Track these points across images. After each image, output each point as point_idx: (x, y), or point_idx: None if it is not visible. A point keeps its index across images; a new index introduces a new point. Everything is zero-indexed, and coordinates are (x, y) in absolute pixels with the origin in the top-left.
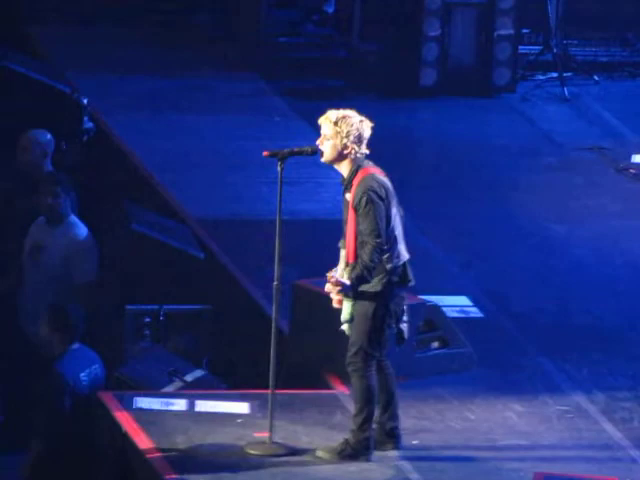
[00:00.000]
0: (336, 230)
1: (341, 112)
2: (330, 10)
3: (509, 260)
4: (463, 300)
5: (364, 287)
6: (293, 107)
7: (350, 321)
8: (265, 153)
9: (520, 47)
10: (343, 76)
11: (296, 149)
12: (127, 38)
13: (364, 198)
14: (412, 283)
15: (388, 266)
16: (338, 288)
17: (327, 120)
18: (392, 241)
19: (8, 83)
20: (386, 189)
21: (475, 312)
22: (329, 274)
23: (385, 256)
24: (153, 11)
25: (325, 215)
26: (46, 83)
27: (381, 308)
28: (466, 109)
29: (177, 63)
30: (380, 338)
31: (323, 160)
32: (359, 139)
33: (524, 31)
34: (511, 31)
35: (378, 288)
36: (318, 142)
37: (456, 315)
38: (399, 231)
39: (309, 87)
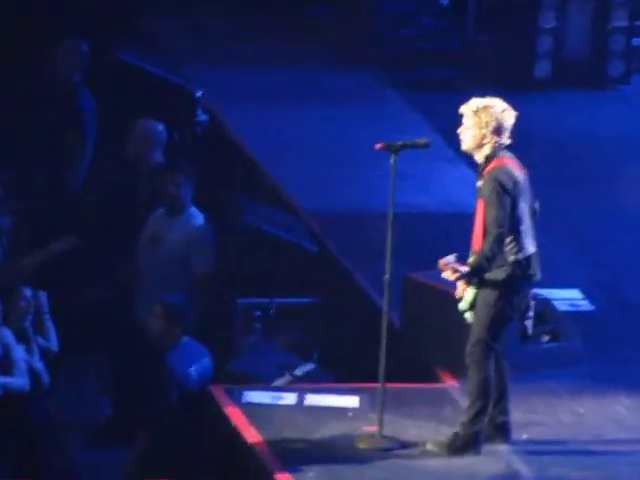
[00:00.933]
0: (448, 223)
1: (483, 101)
2: (445, 1)
3: (621, 251)
4: (574, 293)
5: (488, 275)
6: (408, 99)
7: (470, 309)
8: (378, 146)
9: (634, 39)
10: (458, 68)
11: (409, 142)
12: (241, 30)
13: (490, 187)
14: (537, 277)
15: (510, 258)
16: (456, 275)
17: (468, 109)
18: (516, 234)
19: (122, 75)
20: (515, 181)
21: (586, 305)
22: (442, 261)
23: (508, 247)
24: (267, 2)
25: (437, 208)
26: (160, 75)
27: (502, 299)
28: (580, 101)
29: (291, 55)
30: (500, 330)
31: (462, 148)
32: (499, 129)
33: (638, 23)
34: (625, 23)
35: (500, 278)
36: (459, 130)
37: (567, 308)
38: (527, 225)
39: (423, 79)
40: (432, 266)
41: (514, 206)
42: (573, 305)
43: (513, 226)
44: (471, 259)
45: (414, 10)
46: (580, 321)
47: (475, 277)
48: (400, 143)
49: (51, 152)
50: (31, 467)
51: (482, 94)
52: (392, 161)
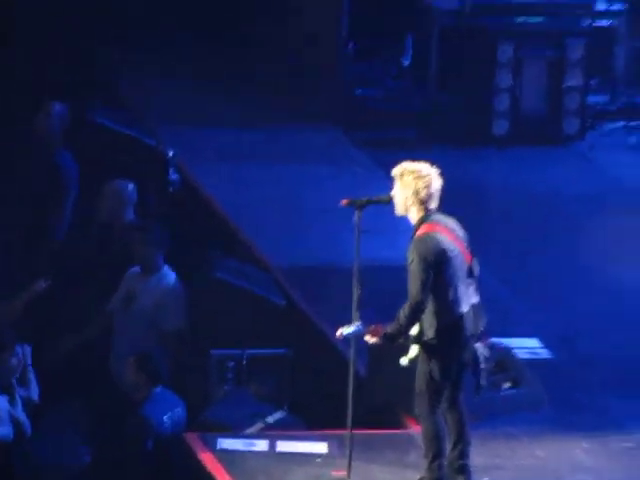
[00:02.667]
0: None
1: (410, 166)
2: (407, 62)
3: (579, 303)
4: (533, 342)
5: (424, 336)
6: (372, 157)
7: (410, 361)
8: (343, 202)
9: (589, 97)
10: (419, 127)
11: (374, 198)
12: (209, 93)
13: (411, 257)
14: (476, 332)
15: (439, 320)
16: (374, 340)
17: (394, 173)
18: (444, 298)
19: (98, 136)
20: (441, 250)
21: (544, 354)
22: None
23: (436, 310)
24: (233, 67)
25: (401, 261)
26: (133, 136)
27: (436, 356)
28: (537, 157)
29: (257, 115)
30: (440, 383)
31: (396, 212)
32: (426, 193)
33: (592, 82)
34: (580, 82)
35: (432, 336)
36: (392, 193)
37: (526, 357)
38: (457, 288)
39: (387, 138)
40: (392, 317)
41: (439, 273)
42: (532, 353)
43: (440, 291)
44: (388, 327)
45: (377, 71)
46: (539, 369)
47: (392, 342)
48: (364, 199)
49: (33, 206)
50: None
51: (443, 152)
52: (356, 217)
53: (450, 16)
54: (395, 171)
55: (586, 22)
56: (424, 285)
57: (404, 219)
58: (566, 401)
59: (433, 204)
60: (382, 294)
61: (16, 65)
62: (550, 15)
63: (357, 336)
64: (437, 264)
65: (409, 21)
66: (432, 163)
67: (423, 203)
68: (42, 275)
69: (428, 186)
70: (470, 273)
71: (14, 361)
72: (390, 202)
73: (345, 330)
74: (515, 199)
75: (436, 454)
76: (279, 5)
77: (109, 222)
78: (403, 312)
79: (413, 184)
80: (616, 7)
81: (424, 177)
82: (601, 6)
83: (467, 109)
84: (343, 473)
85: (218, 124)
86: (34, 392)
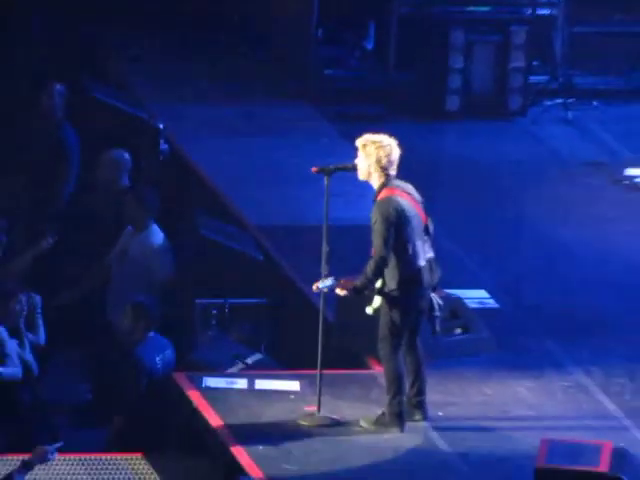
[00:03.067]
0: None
1: (371, 137)
2: (370, 46)
3: (522, 259)
4: (482, 293)
5: (386, 287)
6: (339, 130)
7: (376, 313)
8: (313, 169)
9: (531, 77)
10: (381, 103)
11: (340, 165)
12: (194, 72)
13: (374, 218)
14: (432, 283)
15: (400, 272)
16: (344, 292)
17: (358, 143)
18: (404, 253)
19: (96, 111)
20: (399, 210)
21: (492, 304)
22: (325, 282)
23: (397, 264)
24: (215, 46)
25: (366, 221)
26: (128, 111)
27: (398, 303)
28: (485, 131)
29: (237, 92)
30: (401, 328)
31: (359, 178)
32: (386, 161)
33: (534, 63)
34: (523, 64)
35: (393, 287)
36: (356, 162)
37: (476, 306)
38: (415, 244)
39: (352, 113)
40: (358, 271)
41: (399, 231)
42: (481, 303)
43: (400, 247)
44: (357, 280)
45: (344, 54)
46: (487, 317)
47: (360, 294)
48: (332, 167)
49: (40, 174)
50: (23, 443)
51: (402, 125)
52: (325, 182)
53: (408, 5)
54: (359, 142)
55: (528, 11)
56: (386, 242)
57: (367, 184)
58: (511, 345)
59: (392, 171)
60: (348, 249)
61: (17, 48)
62: (496, 5)
63: (330, 289)
64: (397, 223)
65: (372, 9)
66: (391, 135)
67: (384, 170)
68: (48, 234)
69: (388, 155)
70: (426, 231)
71: (18, 307)
72: (354, 169)
73: (320, 284)
74: (465, 167)
75: (397, 392)
76: None
77: (107, 187)
78: (369, 267)
79: (375, 153)
80: None
81: (384, 147)
82: None
83: (423, 88)
84: (314, 408)
85: (202, 100)
86: (41, 337)
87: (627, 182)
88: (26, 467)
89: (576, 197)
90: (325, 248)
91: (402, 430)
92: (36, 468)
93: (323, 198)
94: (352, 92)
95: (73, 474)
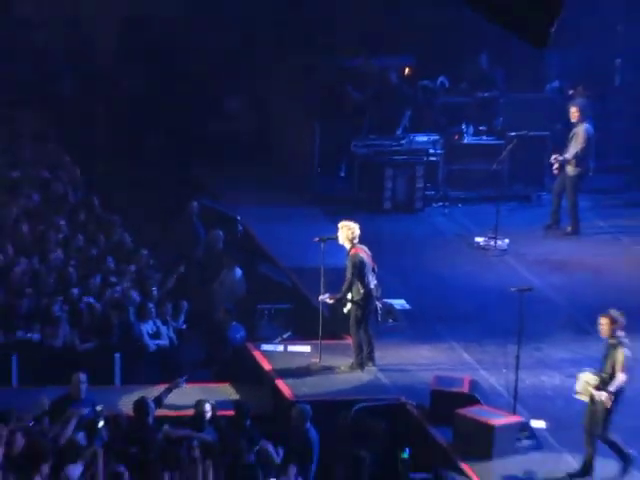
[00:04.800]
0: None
1: (345, 223)
2: (342, 174)
3: (423, 285)
4: (402, 301)
5: (352, 298)
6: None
7: (347, 310)
8: (315, 239)
9: (426, 192)
10: (350, 205)
11: (331, 236)
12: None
13: (349, 264)
14: (377, 295)
15: (361, 290)
16: (331, 301)
17: (340, 225)
18: (363, 281)
19: (206, 214)
20: (361, 260)
21: (407, 306)
22: (321, 297)
23: (359, 286)
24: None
25: (344, 265)
26: (219, 210)
27: (360, 307)
28: (403, 220)
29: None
30: (362, 320)
31: (340, 242)
32: (352, 235)
33: (428, 185)
34: (422, 185)
35: (357, 299)
36: (338, 235)
37: (399, 308)
38: (369, 277)
39: (333, 210)
40: (335, 290)
41: (360, 270)
42: (402, 306)
43: (361, 278)
44: (338, 295)
45: (329, 177)
46: (406, 313)
47: (340, 301)
48: (325, 237)
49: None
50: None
51: (361, 217)
52: (322, 245)
53: (364, 152)
54: (340, 225)
55: (424, 158)
56: (352, 277)
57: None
58: (418, 328)
59: (356, 240)
60: (337, 281)
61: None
62: (408, 154)
63: (325, 300)
64: (360, 267)
65: (341, 155)
66: (355, 221)
67: (352, 240)
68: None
69: (353, 231)
70: (373, 270)
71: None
72: (337, 239)
73: (321, 297)
74: (394, 239)
75: (358, 352)
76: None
77: (212, 250)
78: (344, 288)
79: (347, 231)
80: None
81: (352, 228)
82: None
83: (372, 198)
84: (317, 360)
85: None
86: (181, 322)
87: (478, 246)
88: (168, 391)
89: (449, 254)
90: (322, 280)
91: (362, 371)
92: (173, 392)
93: (321, 251)
94: (335, 199)
95: (192, 395)
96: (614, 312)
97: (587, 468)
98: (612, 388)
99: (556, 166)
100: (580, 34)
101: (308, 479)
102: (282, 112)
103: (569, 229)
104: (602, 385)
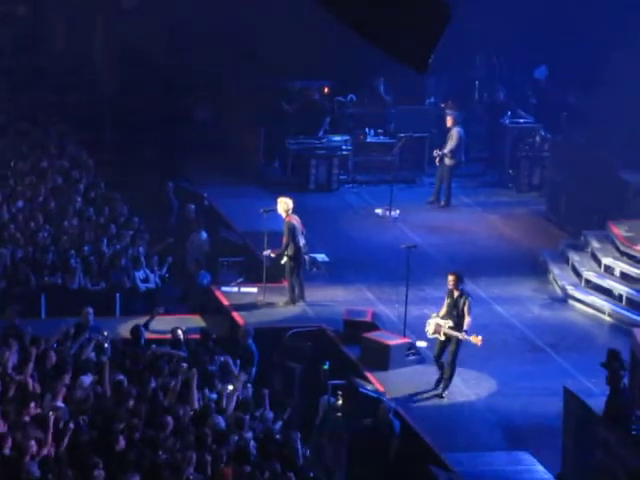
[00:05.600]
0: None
1: (282, 198)
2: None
3: (340, 243)
4: (323, 255)
5: (287, 253)
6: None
7: (284, 262)
8: (261, 210)
9: (340, 176)
10: (285, 187)
11: (271, 209)
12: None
13: (285, 228)
14: (303, 252)
15: (294, 248)
16: (273, 255)
17: (279, 200)
18: (297, 240)
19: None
20: (294, 226)
21: (326, 259)
22: (265, 252)
23: (293, 244)
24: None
25: (282, 229)
26: (190, 189)
27: (294, 260)
28: (324, 197)
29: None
30: (294, 269)
31: (279, 213)
32: (287, 207)
33: (341, 172)
34: (337, 171)
35: (292, 253)
36: (277, 207)
37: (321, 260)
38: (300, 237)
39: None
40: (275, 247)
41: (294, 233)
42: (323, 259)
43: (294, 239)
44: (279, 250)
45: (271, 168)
46: (325, 264)
47: (280, 256)
48: (268, 209)
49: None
50: None
51: (295, 195)
52: (264, 214)
53: (296, 147)
54: (278, 200)
55: (339, 152)
56: (288, 238)
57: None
58: (334, 275)
59: (290, 210)
60: (275, 241)
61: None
62: (326, 149)
63: (268, 254)
64: (293, 231)
65: (277, 150)
66: (290, 197)
67: (287, 211)
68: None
69: (288, 205)
70: (302, 233)
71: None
72: (277, 210)
73: (265, 252)
74: (318, 210)
75: (292, 290)
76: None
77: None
78: (283, 246)
79: (285, 205)
80: None
81: (287, 203)
82: None
83: (303, 182)
84: (262, 297)
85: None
86: (165, 271)
87: (377, 215)
88: (151, 318)
89: (357, 221)
90: (266, 243)
91: (294, 305)
92: (158, 322)
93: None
94: (274, 182)
95: (173, 323)
96: (458, 271)
97: (440, 380)
98: (466, 328)
99: (437, 158)
100: (449, 62)
101: (250, 378)
102: (237, 119)
103: (442, 203)
104: (455, 327)
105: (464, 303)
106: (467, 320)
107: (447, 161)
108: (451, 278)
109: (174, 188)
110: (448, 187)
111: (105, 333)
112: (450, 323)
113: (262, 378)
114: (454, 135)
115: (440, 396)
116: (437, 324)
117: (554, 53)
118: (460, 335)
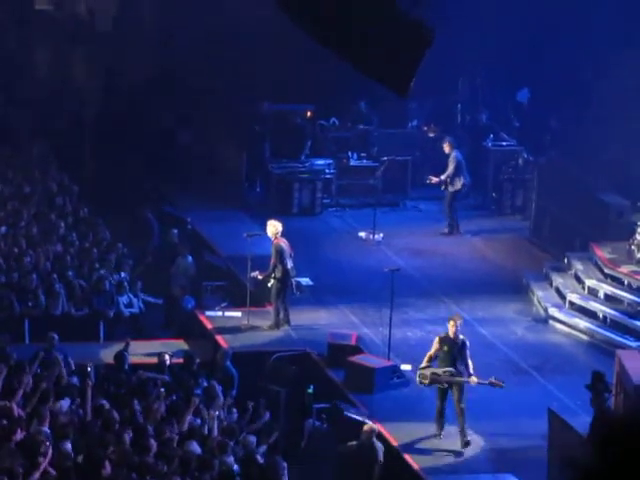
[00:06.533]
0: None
1: (272, 221)
2: (259, 190)
3: (322, 267)
4: (307, 279)
5: (275, 276)
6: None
7: (271, 284)
8: (246, 234)
9: (323, 200)
10: (268, 211)
11: (255, 233)
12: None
13: (273, 251)
14: (291, 276)
15: (282, 271)
16: (260, 278)
17: (268, 223)
18: (285, 263)
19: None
20: (281, 249)
21: (310, 282)
22: (253, 274)
23: (280, 267)
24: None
25: (269, 252)
26: (175, 215)
27: (280, 283)
28: (304, 222)
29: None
30: (280, 292)
31: (269, 236)
32: (276, 231)
33: (325, 195)
34: (320, 195)
35: (279, 276)
36: (267, 231)
37: (305, 283)
38: (288, 260)
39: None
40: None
41: (282, 256)
42: (307, 283)
43: (282, 261)
44: (265, 273)
45: (250, 191)
46: (309, 287)
47: (268, 277)
48: (256, 233)
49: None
50: None
51: (281, 218)
52: (248, 237)
53: (279, 172)
54: (268, 223)
55: (323, 175)
56: (276, 260)
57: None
58: (318, 298)
59: (279, 233)
60: (260, 264)
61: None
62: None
63: (255, 276)
64: (281, 253)
65: (259, 173)
66: (279, 220)
67: (275, 234)
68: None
69: (277, 228)
70: (290, 256)
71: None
72: (263, 234)
73: (252, 274)
74: (304, 233)
75: (277, 314)
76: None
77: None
78: (270, 268)
79: (274, 228)
80: None
81: (276, 226)
82: None
83: (284, 206)
84: (246, 322)
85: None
86: (148, 295)
87: (361, 239)
88: (127, 346)
89: (341, 245)
90: (249, 263)
91: (278, 329)
92: (143, 346)
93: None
94: (257, 206)
95: (157, 348)
96: (457, 316)
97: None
98: (473, 371)
99: (442, 185)
100: (432, 85)
101: (231, 398)
102: (219, 142)
103: (445, 230)
104: (458, 373)
105: (465, 347)
106: (471, 364)
107: (449, 187)
108: (451, 324)
109: (156, 212)
110: (450, 213)
111: (89, 366)
112: (452, 370)
113: (244, 401)
114: (451, 161)
115: (467, 444)
116: (433, 373)
117: (536, 76)
118: (470, 380)
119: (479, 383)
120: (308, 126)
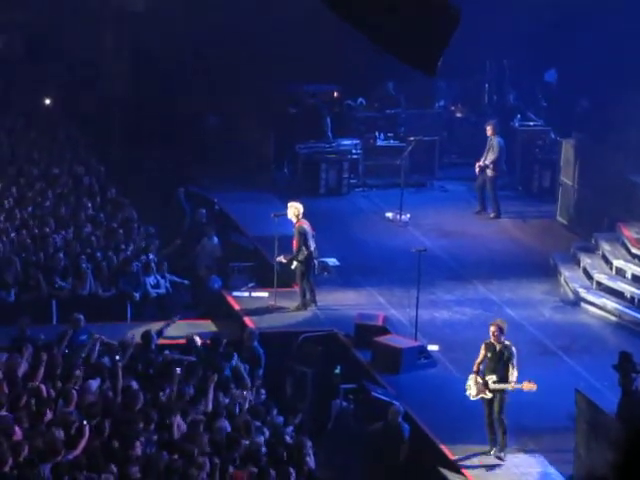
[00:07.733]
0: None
1: (293, 203)
2: (287, 171)
3: (349, 247)
4: (334, 260)
5: (299, 258)
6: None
7: (295, 266)
8: (272, 215)
9: (350, 181)
10: (292, 193)
11: (282, 213)
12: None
13: (296, 232)
14: (315, 256)
15: (305, 253)
16: (285, 260)
17: (289, 205)
18: (308, 244)
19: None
20: (304, 231)
21: (337, 262)
22: (278, 258)
23: (304, 248)
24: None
25: (292, 234)
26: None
27: (304, 265)
28: (334, 201)
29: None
30: (304, 274)
31: (289, 218)
32: (298, 212)
33: (352, 175)
34: (347, 175)
35: (302, 258)
36: (288, 212)
37: (332, 264)
38: (311, 242)
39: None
40: (286, 252)
41: (305, 237)
42: (334, 263)
43: (305, 243)
44: (290, 256)
45: (280, 172)
46: (336, 268)
47: (292, 260)
48: (280, 213)
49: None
50: None
51: (303, 200)
52: (275, 219)
53: (306, 151)
54: (289, 205)
55: (349, 156)
56: (299, 242)
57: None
58: (345, 279)
59: (300, 215)
60: (286, 245)
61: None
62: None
63: (281, 260)
64: (304, 235)
65: (287, 156)
66: (301, 202)
67: (297, 216)
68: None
69: (299, 210)
70: (313, 237)
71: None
72: (287, 215)
73: (277, 258)
74: (332, 214)
75: (303, 295)
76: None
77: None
78: (295, 251)
79: (295, 210)
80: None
81: (298, 207)
82: None
83: (312, 186)
84: (273, 302)
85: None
86: (175, 276)
87: (387, 219)
88: (166, 325)
89: (367, 225)
90: (276, 244)
91: (305, 310)
92: (170, 327)
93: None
94: (284, 186)
95: (184, 329)
96: (500, 321)
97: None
98: (514, 378)
99: (478, 169)
100: (460, 65)
101: (259, 378)
102: (247, 124)
103: (492, 215)
104: (500, 380)
105: (511, 354)
106: (515, 372)
107: (489, 172)
108: (493, 329)
109: (185, 193)
110: (494, 198)
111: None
112: (494, 377)
113: (273, 382)
114: (495, 146)
115: (501, 459)
116: (478, 383)
117: (565, 56)
118: (510, 386)
119: (514, 388)
120: (322, 105)
